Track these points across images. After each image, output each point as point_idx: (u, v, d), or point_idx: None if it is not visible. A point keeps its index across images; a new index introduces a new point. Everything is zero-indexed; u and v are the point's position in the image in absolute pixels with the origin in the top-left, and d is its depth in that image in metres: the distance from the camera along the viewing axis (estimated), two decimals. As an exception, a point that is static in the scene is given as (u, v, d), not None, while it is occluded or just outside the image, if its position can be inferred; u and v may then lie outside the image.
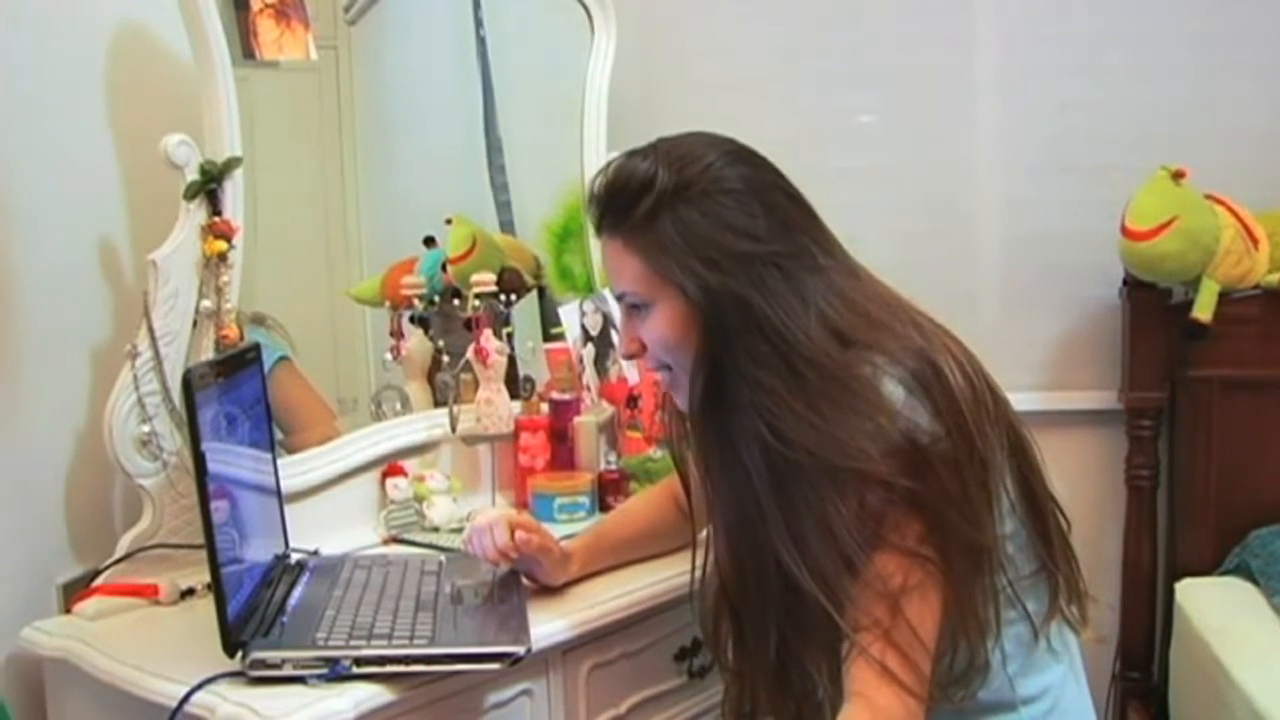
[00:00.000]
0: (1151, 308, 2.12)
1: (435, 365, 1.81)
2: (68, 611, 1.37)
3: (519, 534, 1.32)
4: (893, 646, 1.04)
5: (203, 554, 1.14)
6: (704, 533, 1.28)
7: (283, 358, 1.73)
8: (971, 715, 1.14)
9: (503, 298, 1.79)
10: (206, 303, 1.45)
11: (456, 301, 1.82)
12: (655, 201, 1.14)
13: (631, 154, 1.19)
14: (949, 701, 1.10)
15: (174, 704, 1.10)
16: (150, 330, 1.41)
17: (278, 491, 1.43)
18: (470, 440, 1.77)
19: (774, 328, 1.11)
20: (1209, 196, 2.05)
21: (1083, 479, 2.22)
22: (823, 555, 1.06)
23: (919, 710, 1.04)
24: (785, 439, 1.08)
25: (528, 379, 1.84)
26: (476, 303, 1.76)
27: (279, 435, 1.62)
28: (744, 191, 1.14)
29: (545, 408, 1.81)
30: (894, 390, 1.07)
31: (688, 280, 1.13)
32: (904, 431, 1.05)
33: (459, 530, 1.63)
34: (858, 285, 1.16)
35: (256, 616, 1.21)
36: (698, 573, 1.29)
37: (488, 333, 1.74)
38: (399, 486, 1.67)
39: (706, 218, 1.13)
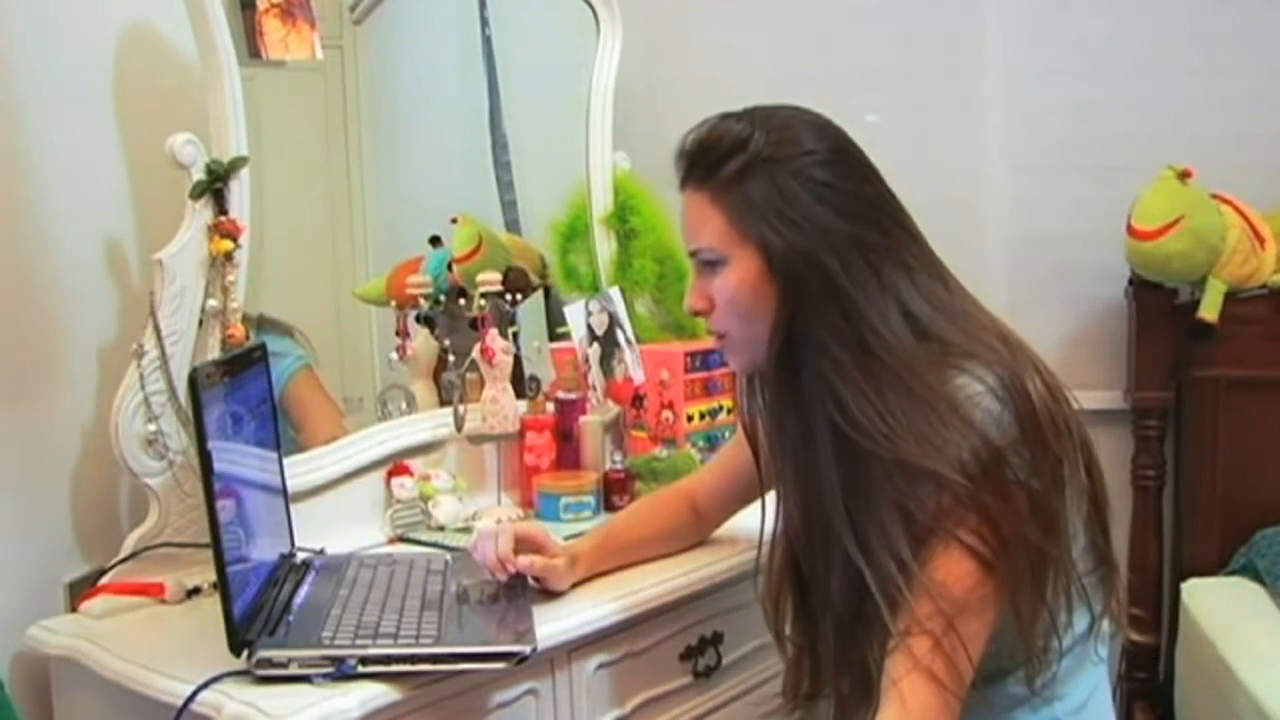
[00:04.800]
0: (1157, 307, 2.12)
1: (441, 364, 1.80)
2: (74, 610, 1.38)
3: (523, 559, 1.32)
4: (940, 644, 1.03)
5: (208, 553, 1.15)
6: (763, 510, 1.29)
7: (305, 365, 1.74)
8: (1005, 708, 1.14)
9: (508, 297, 1.79)
10: (213, 302, 1.45)
11: (462, 301, 1.82)
12: (747, 162, 1.14)
13: (726, 116, 1.19)
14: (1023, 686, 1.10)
15: (180, 702, 1.10)
16: (156, 329, 1.41)
17: (284, 491, 1.43)
18: (476, 440, 1.77)
19: (852, 302, 1.10)
20: (1215, 196, 2.05)
21: (1088, 479, 2.21)
22: (879, 543, 1.06)
23: (957, 707, 1.04)
24: (854, 422, 1.08)
25: (533, 378, 1.84)
26: (482, 302, 1.75)
27: (292, 434, 1.63)
28: (839, 176, 1.14)
29: (551, 407, 1.81)
30: (980, 398, 1.05)
31: (774, 238, 1.12)
32: (980, 435, 1.04)
33: (464, 530, 1.64)
34: (944, 291, 1.15)
35: (262, 615, 1.21)
36: (764, 547, 1.29)
37: (493, 332, 1.74)
38: (404, 486, 1.67)
39: (801, 187, 1.12)
